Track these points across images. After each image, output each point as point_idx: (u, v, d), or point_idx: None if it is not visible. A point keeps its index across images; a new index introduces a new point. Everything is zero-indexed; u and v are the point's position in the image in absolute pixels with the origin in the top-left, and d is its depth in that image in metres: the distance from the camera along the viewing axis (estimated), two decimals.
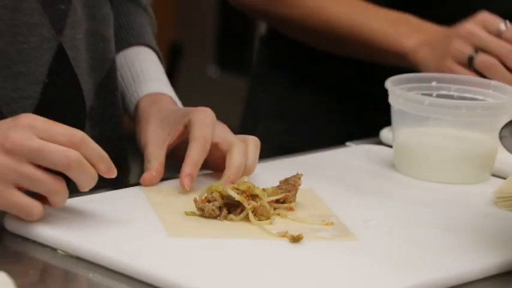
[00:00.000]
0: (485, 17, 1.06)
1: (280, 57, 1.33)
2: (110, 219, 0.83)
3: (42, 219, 0.80)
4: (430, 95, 1.00)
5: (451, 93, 1.00)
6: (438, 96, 1.00)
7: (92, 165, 0.76)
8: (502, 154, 0.92)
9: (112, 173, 0.78)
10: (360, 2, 1.15)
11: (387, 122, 1.04)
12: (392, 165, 1.02)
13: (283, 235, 0.80)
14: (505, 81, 0.98)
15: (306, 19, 1.18)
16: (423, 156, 1.00)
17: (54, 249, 0.78)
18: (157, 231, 0.80)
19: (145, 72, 1.01)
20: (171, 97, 0.98)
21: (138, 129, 0.94)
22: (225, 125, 0.93)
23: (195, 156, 0.88)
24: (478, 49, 1.06)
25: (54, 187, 0.77)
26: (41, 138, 0.77)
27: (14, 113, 0.84)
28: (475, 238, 0.86)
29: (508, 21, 1.06)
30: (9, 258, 0.80)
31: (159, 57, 1.03)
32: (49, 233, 0.79)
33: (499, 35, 1.06)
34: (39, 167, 0.76)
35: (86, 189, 0.78)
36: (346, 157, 1.08)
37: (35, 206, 0.79)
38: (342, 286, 0.74)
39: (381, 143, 1.10)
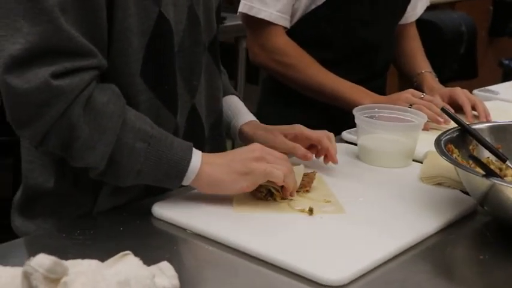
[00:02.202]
0: (413, 91, 1.70)
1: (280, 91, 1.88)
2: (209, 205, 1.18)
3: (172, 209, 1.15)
4: (374, 116, 1.48)
5: (385, 114, 1.50)
6: (379, 117, 1.48)
7: None
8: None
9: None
10: (333, 75, 1.75)
11: (341, 128, 1.61)
12: (357, 157, 1.47)
13: (302, 210, 1.19)
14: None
15: (305, 81, 1.74)
16: (375, 152, 1.43)
17: (184, 229, 1.13)
18: (229, 209, 1.18)
19: (239, 109, 1.47)
20: (257, 121, 1.46)
21: (258, 139, 1.37)
22: None
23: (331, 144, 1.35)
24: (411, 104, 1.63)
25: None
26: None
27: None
28: (418, 204, 1.23)
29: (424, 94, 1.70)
30: (156, 235, 1.14)
31: (239, 98, 1.50)
32: (179, 218, 1.15)
33: (421, 98, 1.67)
34: None
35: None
36: None
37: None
38: (337, 242, 1.09)
39: (342, 140, 1.60)
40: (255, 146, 1.22)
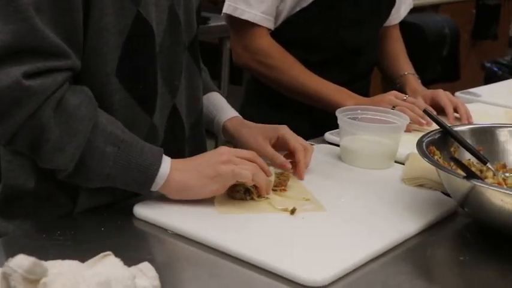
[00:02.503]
0: (396, 93, 1.70)
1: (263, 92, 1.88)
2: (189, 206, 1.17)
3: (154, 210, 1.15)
4: (357, 117, 1.48)
5: (368, 116, 1.50)
6: (361, 118, 1.49)
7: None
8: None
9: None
10: (316, 77, 1.74)
11: (324, 129, 1.61)
12: (339, 158, 1.48)
13: (285, 209, 1.20)
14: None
15: (288, 82, 1.74)
16: (357, 153, 1.43)
17: (165, 229, 1.13)
18: (212, 210, 1.18)
19: (222, 105, 1.46)
20: (240, 116, 1.46)
21: (241, 138, 1.40)
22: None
23: (303, 159, 1.33)
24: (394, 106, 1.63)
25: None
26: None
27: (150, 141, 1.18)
28: (400, 205, 1.23)
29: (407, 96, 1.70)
30: (138, 236, 1.14)
31: (221, 94, 1.50)
32: (161, 218, 1.14)
33: (404, 100, 1.67)
34: None
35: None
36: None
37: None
38: (319, 242, 1.09)
39: (324, 141, 1.61)
40: (222, 150, 1.22)
